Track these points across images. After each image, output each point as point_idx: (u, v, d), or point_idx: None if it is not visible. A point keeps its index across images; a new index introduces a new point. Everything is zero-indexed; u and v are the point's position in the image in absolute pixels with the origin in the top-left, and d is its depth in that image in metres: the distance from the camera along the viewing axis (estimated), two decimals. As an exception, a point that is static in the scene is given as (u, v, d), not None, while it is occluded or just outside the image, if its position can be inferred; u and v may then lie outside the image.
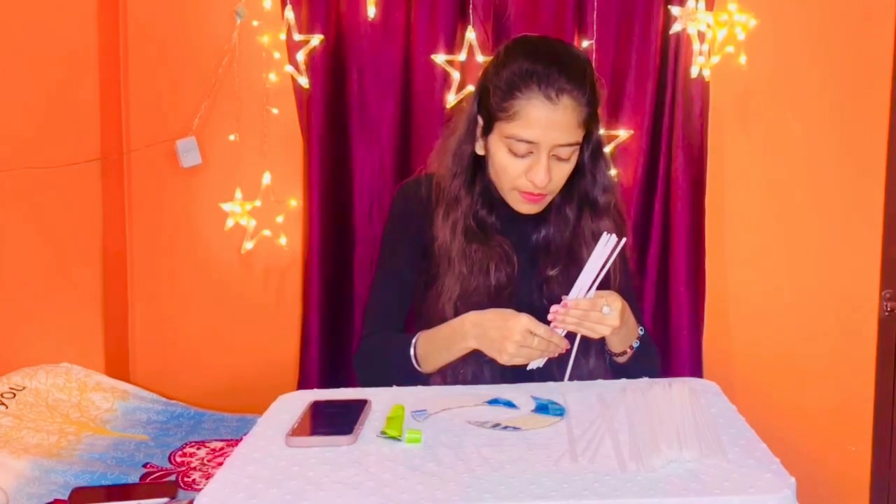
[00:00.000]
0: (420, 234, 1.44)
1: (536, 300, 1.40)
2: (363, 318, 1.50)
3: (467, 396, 1.22)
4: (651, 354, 1.43)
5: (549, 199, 1.38)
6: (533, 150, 1.29)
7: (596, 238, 1.35)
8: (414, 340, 1.36)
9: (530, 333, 1.21)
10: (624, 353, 1.36)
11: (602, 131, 1.45)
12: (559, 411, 1.15)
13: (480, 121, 1.37)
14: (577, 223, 1.41)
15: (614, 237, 1.24)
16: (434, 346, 1.34)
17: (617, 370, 1.41)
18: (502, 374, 1.35)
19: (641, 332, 1.38)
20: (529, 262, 1.43)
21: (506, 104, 1.29)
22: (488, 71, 1.36)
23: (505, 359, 1.23)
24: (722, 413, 1.12)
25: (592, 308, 1.22)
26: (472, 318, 1.29)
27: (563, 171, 1.34)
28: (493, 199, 1.41)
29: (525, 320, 1.22)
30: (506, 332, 1.22)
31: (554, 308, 1.24)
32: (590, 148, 1.40)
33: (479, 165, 1.41)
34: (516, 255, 1.41)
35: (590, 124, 1.34)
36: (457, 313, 1.36)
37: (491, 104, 1.32)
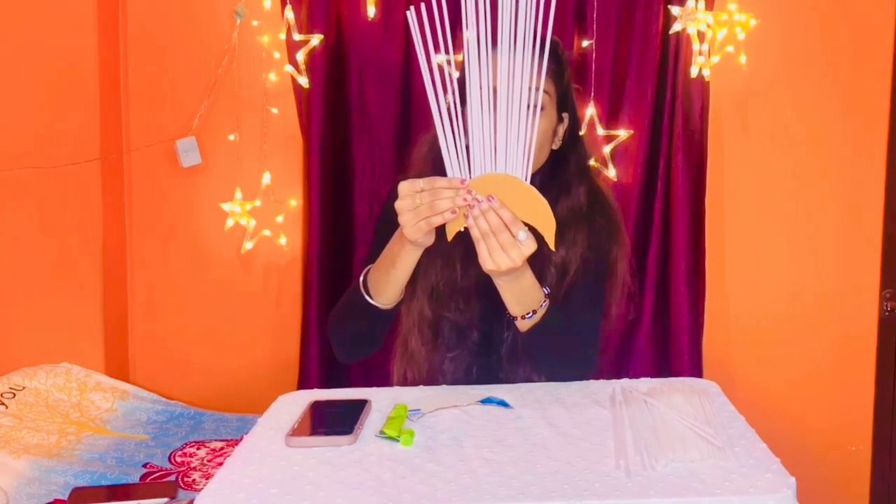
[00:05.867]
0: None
1: None
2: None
3: (461, 396, 1.22)
4: (562, 339, 1.32)
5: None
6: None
7: (571, 241, 1.34)
8: (363, 273, 1.34)
9: (413, 193, 1.13)
10: (523, 318, 1.28)
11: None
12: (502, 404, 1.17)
13: None
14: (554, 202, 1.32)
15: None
16: (381, 267, 1.30)
17: (527, 348, 1.33)
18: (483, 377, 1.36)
19: (544, 305, 1.28)
20: None
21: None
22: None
23: (407, 231, 1.15)
24: (722, 413, 1.12)
25: (512, 225, 1.12)
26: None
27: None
28: None
29: (402, 184, 1.15)
30: (398, 210, 1.16)
31: (479, 197, 1.12)
32: (569, 136, 1.40)
33: None
34: None
35: (559, 86, 1.34)
36: (430, 306, 1.37)
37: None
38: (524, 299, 1.26)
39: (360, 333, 1.40)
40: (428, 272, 1.39)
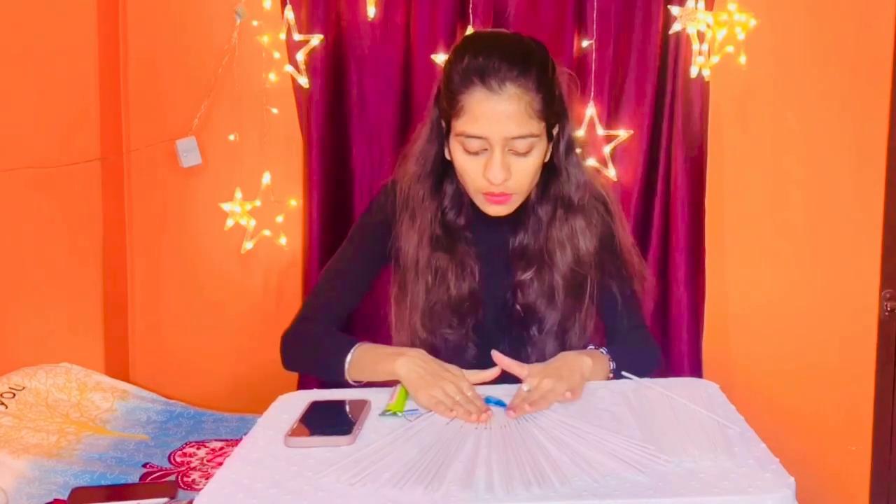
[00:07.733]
0: (384, 246, 1.42)
1: (510, 302, 1.39)
2: (306, 300, 1.48)
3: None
4: (637, 357, 1.38)
5: (517, 199, 1.31)
6: (486, 146, 1.25)
7: (570, 238, 1.36)
8: (353, 348, 1.31)
9: (461, 391, 1.17)
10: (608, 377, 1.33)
11: (580, 132, 1.37)
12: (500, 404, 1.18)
13: (443, 124, 1.33)
14: (549, 225, 1.37)
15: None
16: (369, 357, 1.30)
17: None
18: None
19: (613, 366, 1.32)
20: (504, 266, 1.40)
21: (453, 101, 1.25)
22: (442, 73, 1.33)
23: (424, 397, 1.17)
24: (722, 413, 1.12)
25: (541, 395, 1.16)
26: (420, 351, 1.26)
27: (523, 167, 1.27)
28: (463, 203, 1.38)
29: (465, 379, 1.20)
30: (444, 377, 1.18)
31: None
32: (563, 144, 1.35)
33: (447, 169, 1.37)
34: (491, 258, 1.39)
35: (549, 116, 1.27)
36: (423, 324, 1.37)
37: (443, 104, 1.29)
38: (597, 376, 1.29)
39: (313, 371, 1.44)
40: (418, 292, 1.39)
